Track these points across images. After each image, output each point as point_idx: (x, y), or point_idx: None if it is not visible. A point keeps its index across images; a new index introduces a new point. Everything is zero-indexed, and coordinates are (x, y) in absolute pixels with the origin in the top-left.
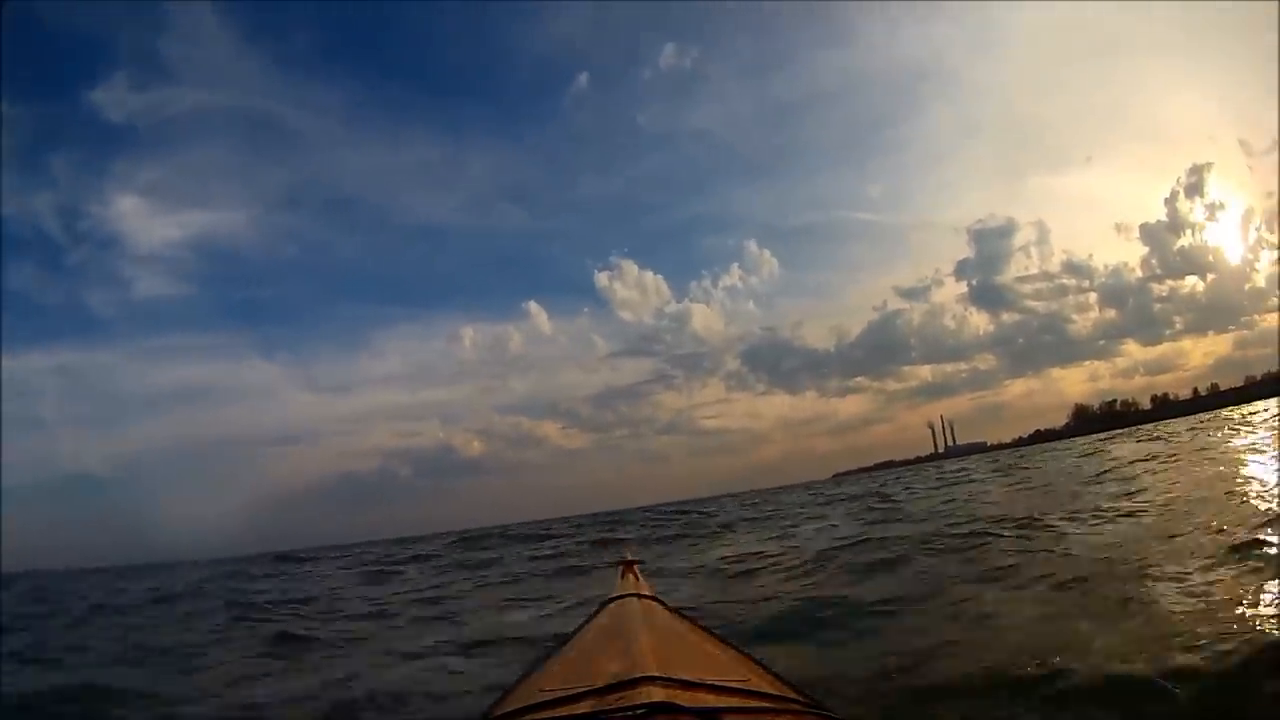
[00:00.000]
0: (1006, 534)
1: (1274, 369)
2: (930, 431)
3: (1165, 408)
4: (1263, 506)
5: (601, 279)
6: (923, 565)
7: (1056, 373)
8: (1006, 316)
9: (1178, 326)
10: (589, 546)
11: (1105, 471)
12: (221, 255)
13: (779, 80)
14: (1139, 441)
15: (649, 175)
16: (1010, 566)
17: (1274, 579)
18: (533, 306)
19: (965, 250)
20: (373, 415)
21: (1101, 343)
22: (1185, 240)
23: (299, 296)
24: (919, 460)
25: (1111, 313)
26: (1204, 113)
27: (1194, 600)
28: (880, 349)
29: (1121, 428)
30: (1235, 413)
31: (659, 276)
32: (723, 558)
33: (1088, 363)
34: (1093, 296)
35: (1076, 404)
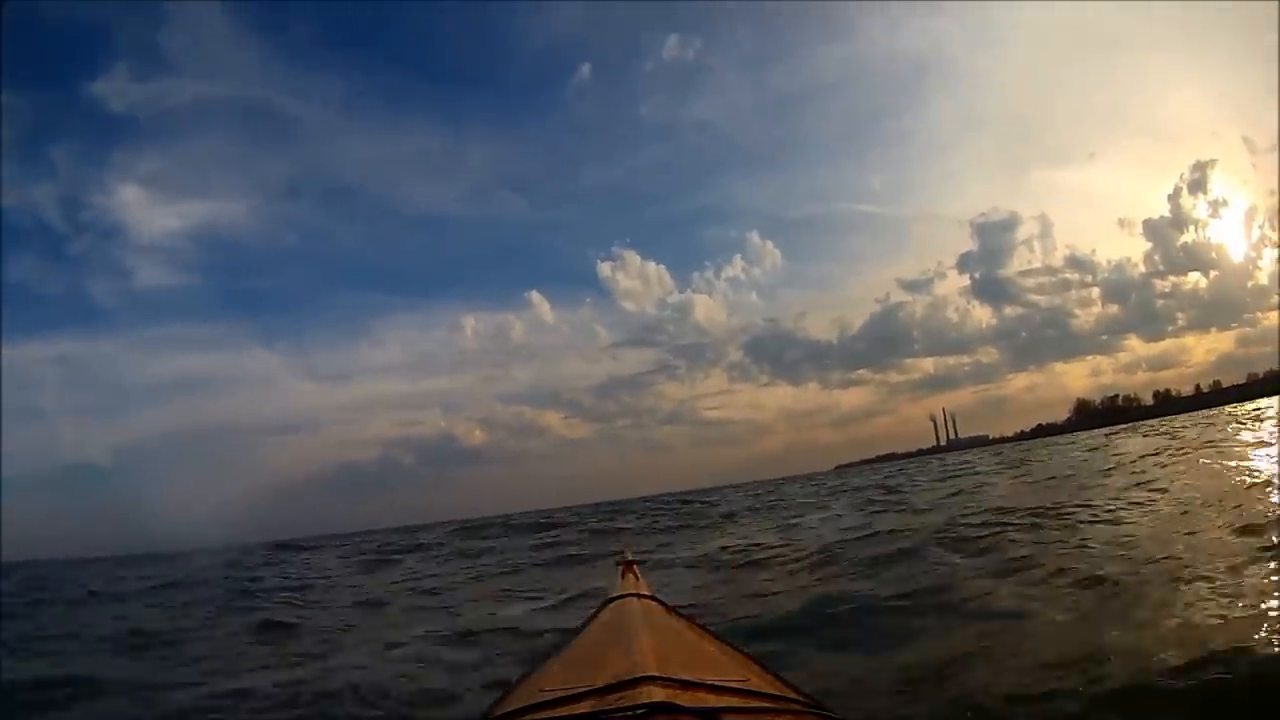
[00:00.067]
0: (1015, 524)
1: (1275, 367)
2: (932, 424)
3: (1167, 404)
4: None
5: (604, 269)
6: (936, 557)
7: (1059, 367)
8: (1009, 310)
9: (1180, 323)
10: (589, 535)
11: (1112, 468)
12: (222, 245)
13: (781, 72)
14: (1145, 436)
15: (651, 166)
16: (1025, 558)
17: None
18: (535, 296)
19: (968, 243)
20: (374, 404)
21: (1104, 338)
22: (1188, 237)
23: (300, 286)
24: (921, 453)
25: (1114, 308)
26: (1207, 110)
27: (1227, 601)
28: (882, 341)
29: (1123, 423)
30: (1239, 409)
31: (661, 267)
32: (724, 547)
33: (1090, 357)
34: (1095, 291)
35: (1079, 398)
